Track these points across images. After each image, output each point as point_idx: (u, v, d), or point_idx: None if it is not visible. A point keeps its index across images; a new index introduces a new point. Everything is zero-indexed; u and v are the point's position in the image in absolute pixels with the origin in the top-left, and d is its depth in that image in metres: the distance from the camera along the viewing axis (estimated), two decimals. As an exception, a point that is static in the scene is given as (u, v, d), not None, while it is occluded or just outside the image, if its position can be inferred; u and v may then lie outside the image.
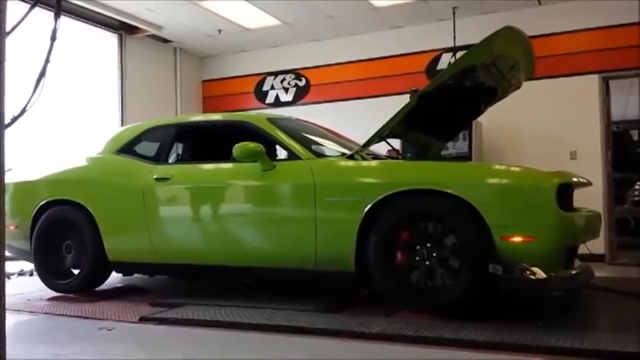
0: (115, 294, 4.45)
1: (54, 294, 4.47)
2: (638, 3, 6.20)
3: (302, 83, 8.63)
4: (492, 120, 6.51)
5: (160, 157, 4.40)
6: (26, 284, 5.09)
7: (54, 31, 2.07)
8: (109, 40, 7.89)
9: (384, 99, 7.68)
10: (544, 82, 6.69)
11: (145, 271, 4.71)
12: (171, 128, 4.57)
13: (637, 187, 9.05)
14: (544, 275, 3.06)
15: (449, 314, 3.20)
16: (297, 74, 8.66)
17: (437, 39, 7.54)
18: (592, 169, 6.51)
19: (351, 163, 3.77)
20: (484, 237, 3.16)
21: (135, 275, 5.02)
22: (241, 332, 3.14)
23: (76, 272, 4.49)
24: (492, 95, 4.28)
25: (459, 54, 6.58)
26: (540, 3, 7.07)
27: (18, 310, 3.88)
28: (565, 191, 3.29)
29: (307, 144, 4.05)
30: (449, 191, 3.26)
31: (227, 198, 4.10)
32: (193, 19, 7.57)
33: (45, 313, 3.83)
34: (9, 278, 5.45)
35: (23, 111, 1.97)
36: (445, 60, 7.48)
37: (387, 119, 3.81)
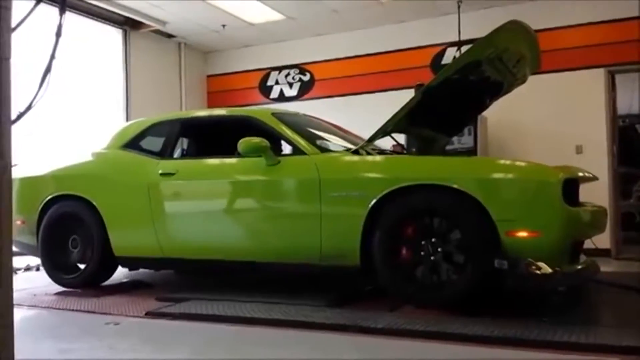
0: (121, 288, 4.47)
1: (61, 288, 4.49)
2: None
3: (306, 78, 8.62)
4: (497, 114, 6.48)
5: (165, 152, 4.41)
6: (33, 279, 5.12)
7: (59, 27, 2.07)
8: (114, 35, 7.89)
9: (388, 94, 7.66)
10: (549, 76, 6.66)
11: (151, 266, 4.72)
12: (176, 123, 4.58)
13: (643, 181, 9.02)
14: (550, 270, 3.05)
15: (454, 309, 3.20)
16: (301, 68, 8.65)
17: (442, 34, 7.50)
18: (598, 163, 6.48)
19: (356, 158, 3.77)
20: (489, 232, 3.15)
21: (141, 270, 5.04)
22: (246, 327, 3.16)
23: (82, 267, 4.51)
24: (497, 90, 4.27)
25: (464, 49, 6.55)
26: (545, -4, 7.03)
27: (25, 305, 3.90)
28: (570, 186, 3.28)
29: (311, 139, 4.05)
30: (454, 186, 3.25)
31: (231, 193, 4.10)
32: (197, 14, 7.56)
33: (52, 308, 3.85)
34: (15, 273, 5.48)
35: (29, 107, 1.97)
36: (450, 55, 7.45)
37: (392, 113, 3.80)
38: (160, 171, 4.25)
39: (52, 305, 3.92)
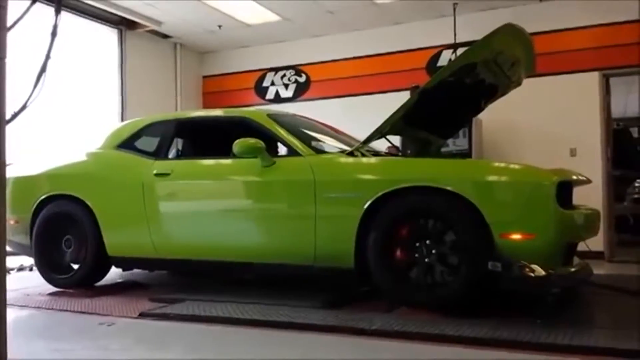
0: (115, 289, 4.46)
1: (54, 289, 4.48)
2: (638, 1, 6.19)
3: (302, 79, 8.62)
4: (492, 117, 6.50)
5: (160, 153, 4.40)
6: (26, 279, 5.10)
7: (55, 27, 2.06)
8: (109, 35, 7.87)
9: (384, 96, 7.68)
10: (544, 79, 6.68)
11: (145, 266, 4.71)
12: (171, 123, 4.57)
13: (636, 184, 9.05)
14: (543, 273, 3.07)
15: (448, 311, 3.21)
16: (297, 70, 8.65)
17: (438, 36, 7.52)
18: (592, 166, 6.50)
19: (351, 160, 3.77)
20: (483, 234, 3.16)
21: (135, 270, 5.03)
22: (241, 328, 3.15)
23: (76, 267, 4.50)
24: (492, 92, 4.28)
25: (460, 51, 6.57)
26: (541, 0, 7.05)
27: (18, 305, 3.89)
28: (564, 189, 3.30)
29: (307, 140, 4.05)
30: (448, 188, 3.26)
31: (227, 194, 4.10)
32: (193, 14, 7.56)
33: (45, 308, 3.83)
34: (9, 273, 5.45)
35: (24, 107, 1.97)
36: (446, 57, 7.47)
37: (388, 115, 3.80)
38: (155, 171, 4.24)
39: (46, 305, 3.90)
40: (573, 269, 3.45)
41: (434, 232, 3.34)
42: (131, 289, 4.48)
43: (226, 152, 4.08)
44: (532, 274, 3.06)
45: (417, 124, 4.26)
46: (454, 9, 7.19)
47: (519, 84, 4.35)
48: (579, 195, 3.66)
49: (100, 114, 7.65)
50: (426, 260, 3.33)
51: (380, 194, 3.42)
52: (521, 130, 7.11)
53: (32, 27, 2.63)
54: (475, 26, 6.69)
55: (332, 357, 2.68)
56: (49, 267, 4.57)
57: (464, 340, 2.72)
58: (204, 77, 9.37)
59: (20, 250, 4.85)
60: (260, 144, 3.78)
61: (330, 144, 4.32)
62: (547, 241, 3.14)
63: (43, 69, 2.02)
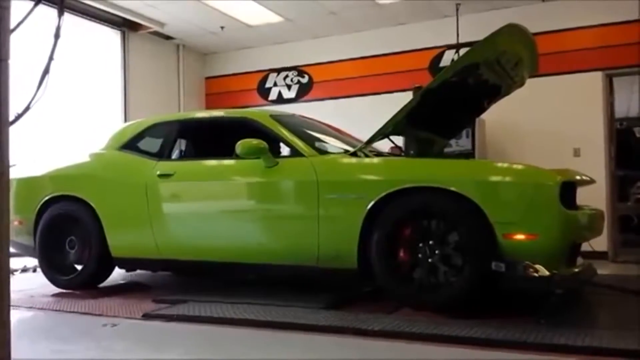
0: (119, 290, 4.47)
1: (58, 290, 4.49)
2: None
3: (304, 80, 8.62)
4: (495, 117, 6.49)
5: (163, 154, 4.41)
6: (30, 280, 5.11)
7: (58, 28, 2.07)
8: (112, 37, 7.89)
9: (386, 96, 7.67)
10: (547, 79, 6.67)
11: (148, 267, 4.72)
12: (174, 124, 4.58)
13: (640, 184, 9.04)
14: (547, 273, 3.06)
15: (452, 311, 3.21)
16: (299, 70, 8.66)
17: (440, 36, 7.52)
18: (596, 166, 6.49)
19: (354, 160, 3.77)
20: (487, 235, 3.15)
21: (139, 271, 5.03)
22: (244, 329, 3.15)
23: (79, 268, 4.50)
24: (495, 93, 4.28)
25: (462, 51, 6.56)
26: (543, 0, 7.04)
27: (21, 307, 3.90)
28: (568, 189, 3.29)
29: (309, 140, 4.05)
30: (452, 188, 3.26)
31: (230, 195, 4.10)
32: (195, 15, 7.57)
33: (49, 309, 3.84)
34: (12, 274, 5.46)
35: (27, 108, 1.97)
36: (449, 57, 7.46)
37: (390, 116, 3.80)
38: (158, 172, 4.24)
39: (49, 306, 3.91)
40: (577, 270, 3.44)
41: (437, 233, 3.33)
42: (134, 290, 4.49)
43: (229, 153, 4.08)
44: (535, 274, 3.05)
45: (420, 125, 4.25)
46: (457, 9, 7.19)
47: (522, 84, 4.34)
48: (582, 196, 3.65)
49: (103, 115, 7.67)
50: (429, 260, 3.33)
51: (383, 194, 3.41)
52: (524, 131, 7.10)
53: (35, 29, 2.64)
54: (477, 26, 6.67)
55: (334, 358, 2.68)
56: (53, 268, 4.58)
57: (467, 341, 2.72)
58: (207, 78, 9.38)
59: (24, 251, 4.86)
60: (263, 144, 3.78)
61: (333, 144, 4.31)
62: (550, 241, 3.14)
63: (46, 71, 2.03)
